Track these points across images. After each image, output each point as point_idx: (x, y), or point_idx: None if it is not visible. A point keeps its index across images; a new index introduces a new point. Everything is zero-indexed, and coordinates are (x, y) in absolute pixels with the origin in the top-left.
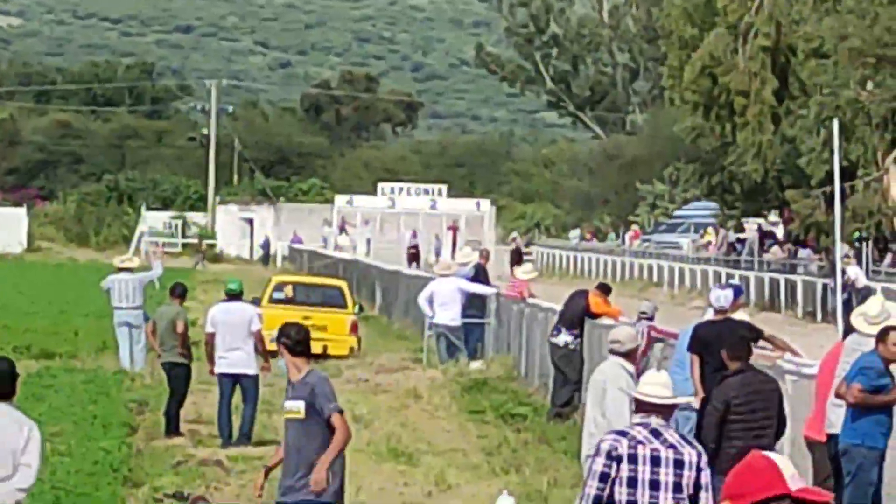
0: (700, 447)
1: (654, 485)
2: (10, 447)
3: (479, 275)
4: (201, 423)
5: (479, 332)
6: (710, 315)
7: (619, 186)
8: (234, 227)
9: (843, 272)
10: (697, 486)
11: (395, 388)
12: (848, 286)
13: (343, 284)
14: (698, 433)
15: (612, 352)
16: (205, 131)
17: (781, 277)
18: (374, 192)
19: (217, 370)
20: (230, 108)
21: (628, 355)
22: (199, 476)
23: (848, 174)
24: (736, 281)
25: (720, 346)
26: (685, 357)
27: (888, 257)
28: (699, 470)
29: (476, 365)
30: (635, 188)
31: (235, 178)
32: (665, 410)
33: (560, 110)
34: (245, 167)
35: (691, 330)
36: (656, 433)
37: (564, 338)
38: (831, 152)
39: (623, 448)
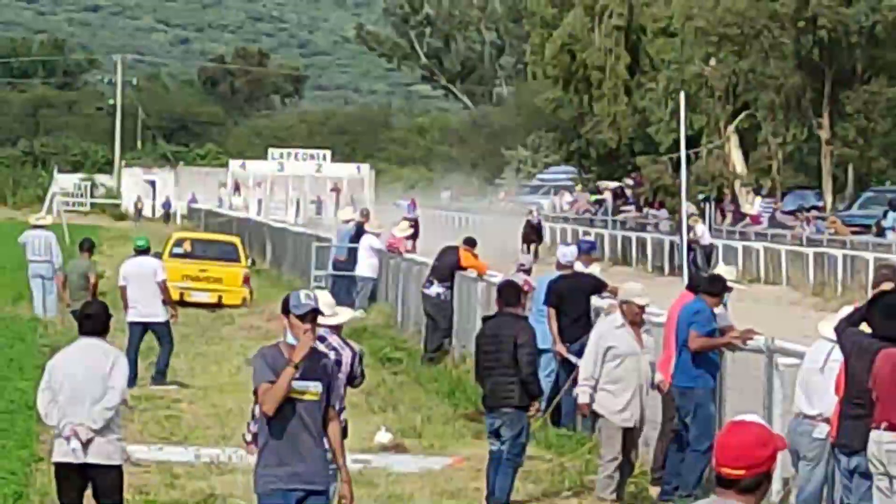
0: (357, 348)
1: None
2: (100, 374)
3: (361, 232)
4: None
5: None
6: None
7: (487, 152)
8: (138, 188)
9: (692, 229)
10: (352, 377)
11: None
12: (693, 243)
13: (237, 240)
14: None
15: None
16: (111, 101)
17: (633, 235)
18: (264, 156)
19: (128, 318)
20: (134, 81)
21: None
22: None
23: (693, 142)
24: (591, 238)
25: (572, 297)
26: (544, 309)
27: (728, 217)
28: (352, 367)
29: (357, 313)
30: (501, 154)
31: (139, 143)
32: (335, 331)
33: (433, 83)
34: (148, 134)
35: (546, 285)
36: (322, 338)
37: (436, 289)
38: (678, 122)
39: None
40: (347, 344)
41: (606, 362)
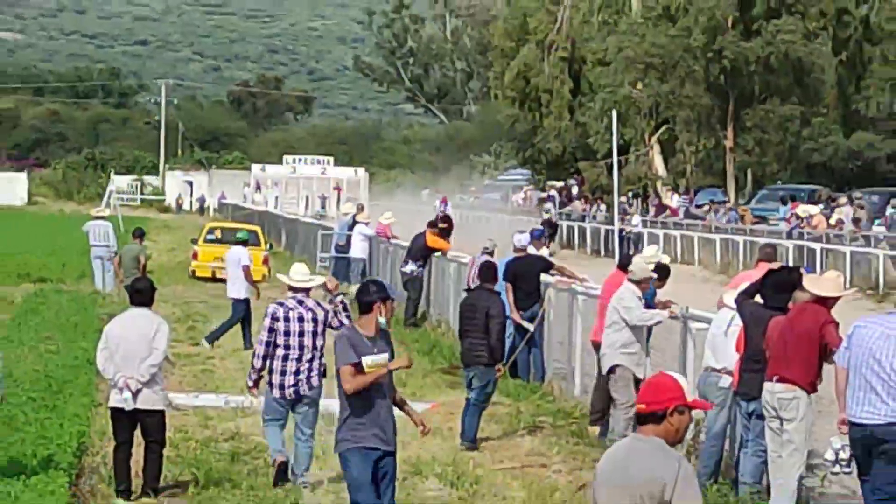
0: (329, 307)
1: (301, 333)
2: (146, 337)
3: (355, 224)
4: None
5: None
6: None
7: (458, 158)
8: (178, 187)
9: (630, 218)
10: (331, 325)
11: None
12: (624, 231)
13: (258, 229)
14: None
15: (629, 280)
16: (157, 117)
17: (576, 224)
18: (280, 162)
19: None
20: (175, 101)
21: (639, 283)
22: None
23: (623, 150)
24: (541, 226)
25: (525, 274)
26: (503, 284)
27: (652, 210)
28: (327, 321)
29: (354, 287)
30: (470, 160)
31: (179, 151)
32: (305, 290)
33: (415, 103)
34: (186, 143)
35: (503, 265)
36: (300, 301)
37: (410, 267)
38: (611, 134)
39: (280, 312)
40: (319, 304)
41: (627, 326)
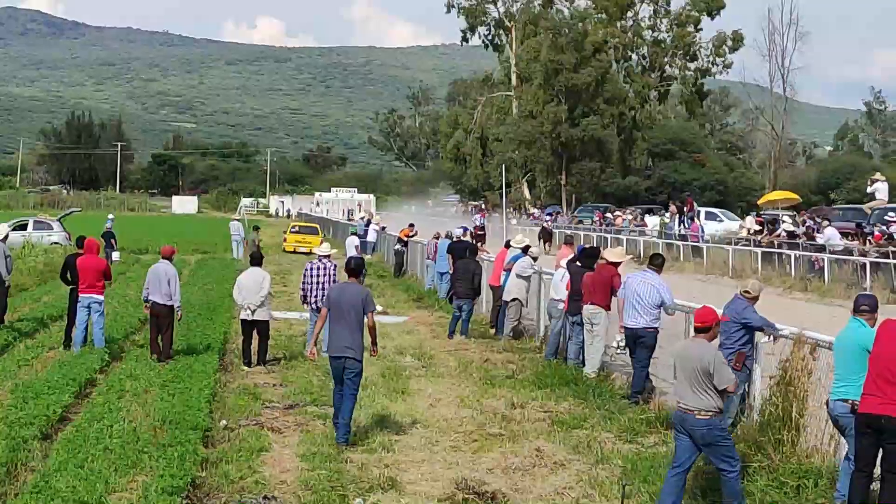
0: (335, 263)
1: (322, 275)
2: (258, 282)
3: (370, 223)
4: None
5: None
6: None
7: (422, 190)
8: (276, 204)
9: (512, 220)
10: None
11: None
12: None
13: (317, 225)
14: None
15: (528, 255)
16: (265, 168)
17: (484, 223)
18: (329, 191)
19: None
20: (275, 159)
21: (535, 259)
22: None
23: (508, 185)
24: (465, 225)
25: (460, 251)
26: (446, 256)
27: (523, 216)
28: (335, 271)
29: (368, 257)
30: (429, 191)
31: (277, 185)
32: (326, 256)
33: (400, 160)
34: (280, 182)
35: (446, 245)
36: (321, 260)
37: (398, 246)
38: (501, 177)
39: (310, 267)
40: (333, 263)
41: (526, 275)
